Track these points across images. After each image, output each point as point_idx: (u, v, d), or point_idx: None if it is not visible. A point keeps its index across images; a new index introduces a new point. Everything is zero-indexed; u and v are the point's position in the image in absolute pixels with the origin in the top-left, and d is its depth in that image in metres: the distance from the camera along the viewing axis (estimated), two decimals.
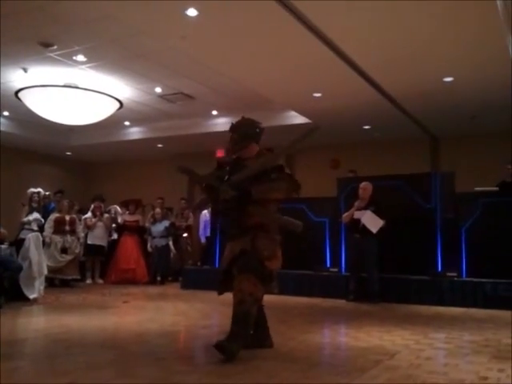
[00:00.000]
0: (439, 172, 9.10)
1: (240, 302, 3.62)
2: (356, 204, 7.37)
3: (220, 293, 4.06)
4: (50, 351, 3.92)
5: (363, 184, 7.50)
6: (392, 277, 7.30)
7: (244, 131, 3.86)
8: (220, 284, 3.98)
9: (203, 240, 10.61)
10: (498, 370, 3.32)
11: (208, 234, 10.30)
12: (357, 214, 7.30)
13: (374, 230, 7.12)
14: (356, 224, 7.27)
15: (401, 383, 3.01)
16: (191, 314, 6.00)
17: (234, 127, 3.89)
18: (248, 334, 3.67)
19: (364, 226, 7.16)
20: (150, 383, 2.96)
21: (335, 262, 8.08)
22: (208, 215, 10.47)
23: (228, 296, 4.34)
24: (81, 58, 8.16)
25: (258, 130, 3.90)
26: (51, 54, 8.04)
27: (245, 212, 3.73)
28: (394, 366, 3.42)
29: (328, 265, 8.16)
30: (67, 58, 8.21)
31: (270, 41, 6.88)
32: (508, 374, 3.24)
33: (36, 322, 5.54)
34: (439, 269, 7.36)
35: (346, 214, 7.50)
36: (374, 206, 7.25)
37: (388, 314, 6.08)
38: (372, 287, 7.12)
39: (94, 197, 10.96)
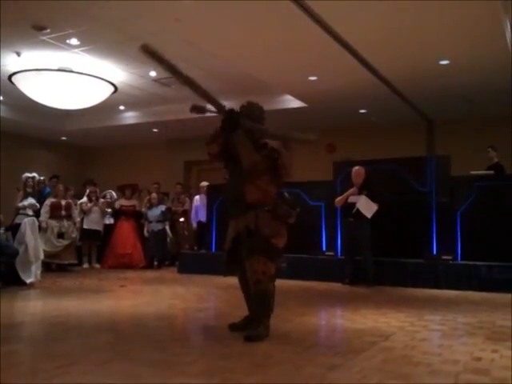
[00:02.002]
0: (435, 155, 9.10)
1: (256, 282, 3.70)
2: (351, 190, 7.37)
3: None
4: (47, 334, 3.94)
5: (355, 168, 7.50)
6: (388, 260, 7.34)
7: (258, 123, 3.86)
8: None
9: (194, 225, 10.63)
10: (492, 351, 3.36)
11: (200, 218, 10.32)
12: (351, 199, 7.30)
13: (369, 215, 7.13)
14: (349, 208, 7.28)
15: (396, 364, 3.04)
16: (188, 298, 6.03)
17: (246, 115, 3.83)
18: (270, 310, 3.77)
19: (358, 210, 7.17)
20: (147, 364, 2.98)
21: (331, 245, 8.12)
22: (199, 200, 10.47)
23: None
24: (74, 41, 8.08)
25: (263, 116, 3.97)
26: (44, 38, 7.95)
27: (246, 186, 3.72)
28: (389, 347, 3.45)
29: (324, 248, 8.20)
30: (61, 42, 8.12)
31: (264, 24, 6.82)
32: (501, 354, 3.28)
33: (33, 306, 5.55)
34: (434, 252, 7.41)
35: (338, 198, 7.50)
36: (367, 190, 7.25)
37: (383, 297, 6.12)
38: (367, 271, 7.16)
39: (85, 181, 11.03)
